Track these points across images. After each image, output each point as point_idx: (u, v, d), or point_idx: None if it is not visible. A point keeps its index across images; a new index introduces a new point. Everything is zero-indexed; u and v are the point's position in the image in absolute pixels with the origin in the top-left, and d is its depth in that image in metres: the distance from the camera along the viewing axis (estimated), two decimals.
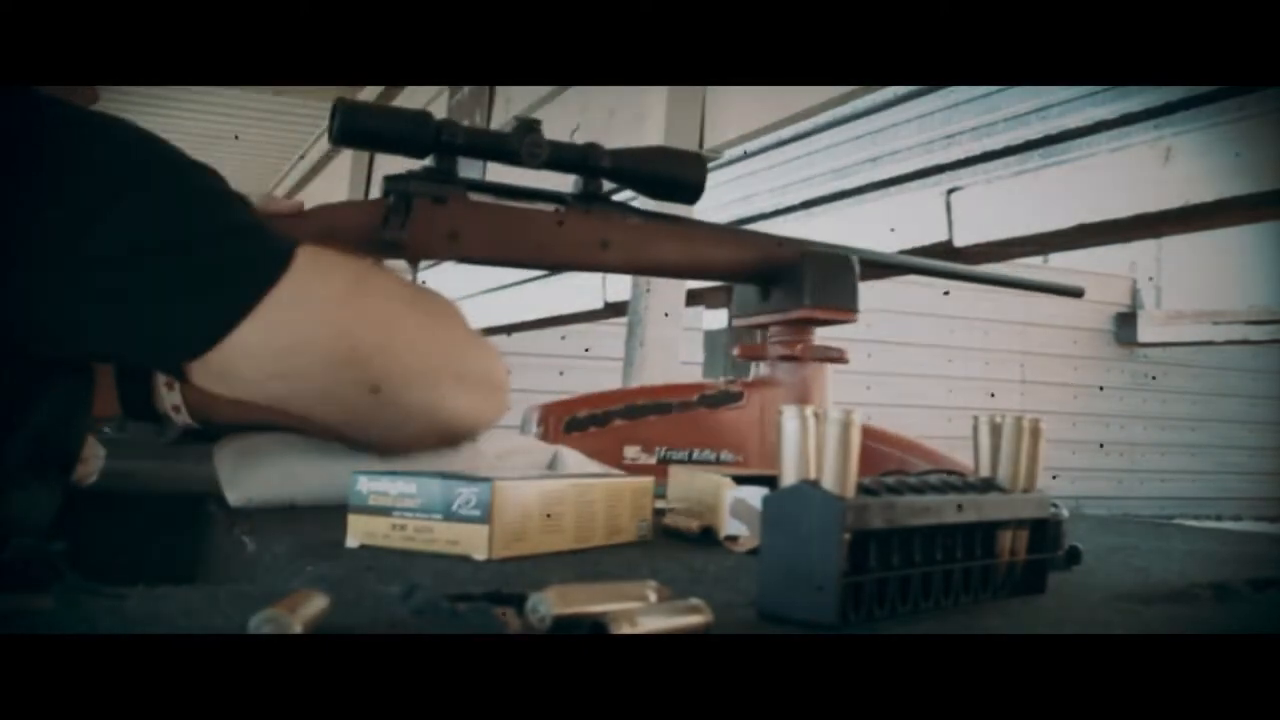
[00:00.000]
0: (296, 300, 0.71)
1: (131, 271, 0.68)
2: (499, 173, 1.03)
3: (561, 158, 0.98)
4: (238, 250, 0.71)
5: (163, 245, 0.69)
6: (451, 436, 0.83)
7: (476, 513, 0.61)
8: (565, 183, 1.03)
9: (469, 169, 0.98)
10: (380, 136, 0.94)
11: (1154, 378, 6.03)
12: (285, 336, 0.72)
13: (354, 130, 0.92)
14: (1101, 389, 5.89)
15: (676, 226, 1.05)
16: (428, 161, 0.95)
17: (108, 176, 0.69)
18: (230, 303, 0.70)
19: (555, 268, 1.03)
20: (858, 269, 1.10)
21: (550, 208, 1.00)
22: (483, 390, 0.83)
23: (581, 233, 1.00)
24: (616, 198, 1.04)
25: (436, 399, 0.80)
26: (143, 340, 0.72)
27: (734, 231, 1.10)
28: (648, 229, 1.03)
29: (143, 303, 0.69)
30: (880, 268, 1.20)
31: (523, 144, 0.95)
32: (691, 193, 1.02)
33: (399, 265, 0.96)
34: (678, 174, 1.02)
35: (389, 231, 0.91)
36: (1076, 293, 1.35)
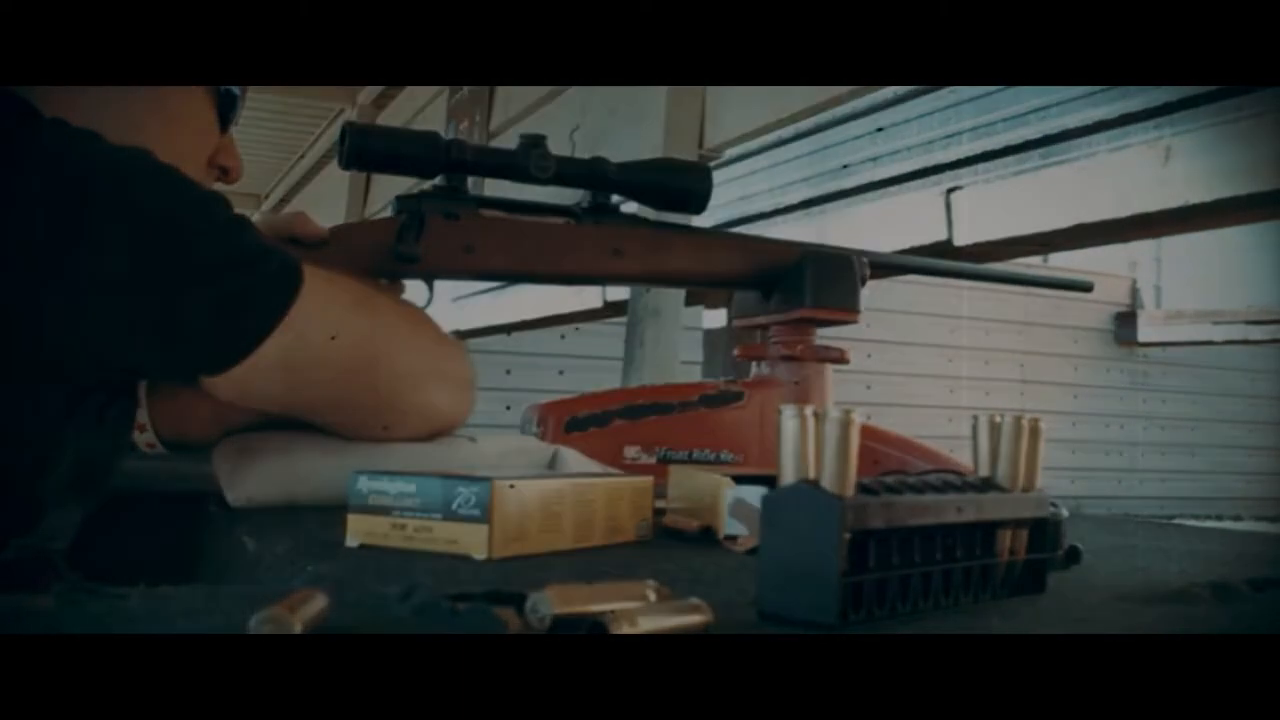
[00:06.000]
0: (312, 317, 0.76)
1: (158, 296, 0.71)
2: (507, 191, 1.03)
3: (569, 172, 0.99)
4: (256, 274, 0.75)
5: (186, 272, 0.72)
6: (437, 431, 0.89)
7: (476, 512, 0.61)
8: (571, 200, 1.03)
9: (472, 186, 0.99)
10: (390, 159, 0.96)
11: (1148, 374, 6.03)
12: (304, 351, 0.77)
13: (364, 153, 0.93)
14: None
15: (687, 235, 1.06)
16: (437, 180, 0.96)
17: (130, 206, 0.72)
18: (255, 323, 0.74)
19: (570, 279, 1.03)
20: (861, 270, 1.10)
21: (561, 220, 1.01)
22: (459, 388, 0.89)
23: (594, 242, 1.00)
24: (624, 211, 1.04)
25: (426, 399, 0.86)
26: (169, 362, 0.77)
27: (741, 237, 1.11)
28: (659, 237, 1.03)
29: (170, 327, 0.72)
30: (889, 269, 1.20)
31: (530, 160, 0.96)
32: (698, 203, 1.03)
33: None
34: (684, 185, 1.03)
35: (404, 247, 0.92)
36: (1086, 286, 1.35)
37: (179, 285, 0.72)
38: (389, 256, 0.93)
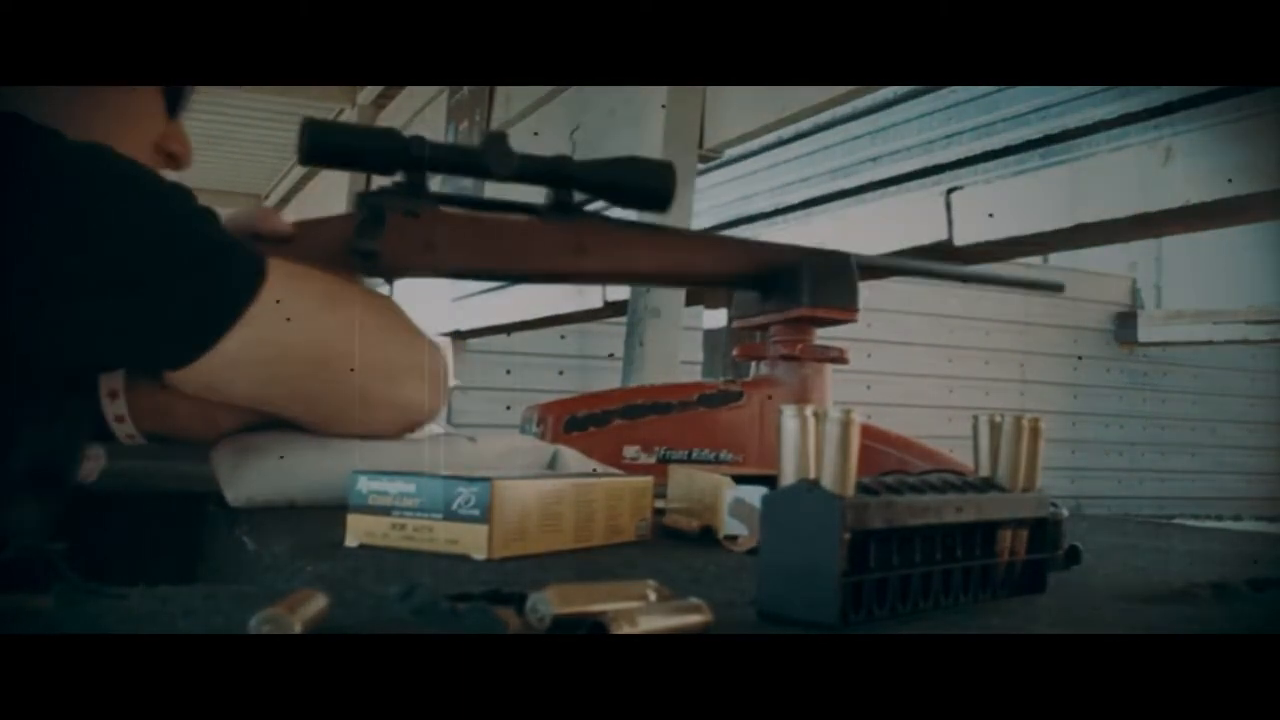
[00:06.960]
0: (276, 312, 0.76)
1: (118, 292, 0.71)
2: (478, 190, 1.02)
3: (530, 169, 0.97)
4: (217, 268, 0.75)
5: (147, 267, 0.72)
6: (409, 425, 0.89)
7: (476, 512, 0.61)
8: (539, 198, 1.02)
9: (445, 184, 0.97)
10: (349, 154, 0.95)
11: (1148, 374, 6.03)
12: (267, 346, 0.77)
13: (322, 149, 0.92)
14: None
15: (653, 234, 1.05)
16: (398, 177, 0.95)
17: (92, 202, 0.71)
18: (214, 318, 0.74)
19: (532, 276, 1.02)
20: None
21: (525, 217, 0.99)
22: (430, 381, 0.89)
23: (557, 239, 0.99)
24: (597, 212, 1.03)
25: (396, 392, 0.86)
26: (128, 355, 0.77)
27: (719, 238, 1.10)
28: (623, 235, 1.02)
29: (129, 322, 0.72)
30: (872, 271, 1.20)
31: (491, 156, 0.95)
32: (660, 201, 1.01)
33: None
34: (645, 182, 1.01)
35: (362, 243, 0.90)
36: (1057, 287, 1.35)
37: (139, 280, 0.71)
38: (349, 254, 0.91)
